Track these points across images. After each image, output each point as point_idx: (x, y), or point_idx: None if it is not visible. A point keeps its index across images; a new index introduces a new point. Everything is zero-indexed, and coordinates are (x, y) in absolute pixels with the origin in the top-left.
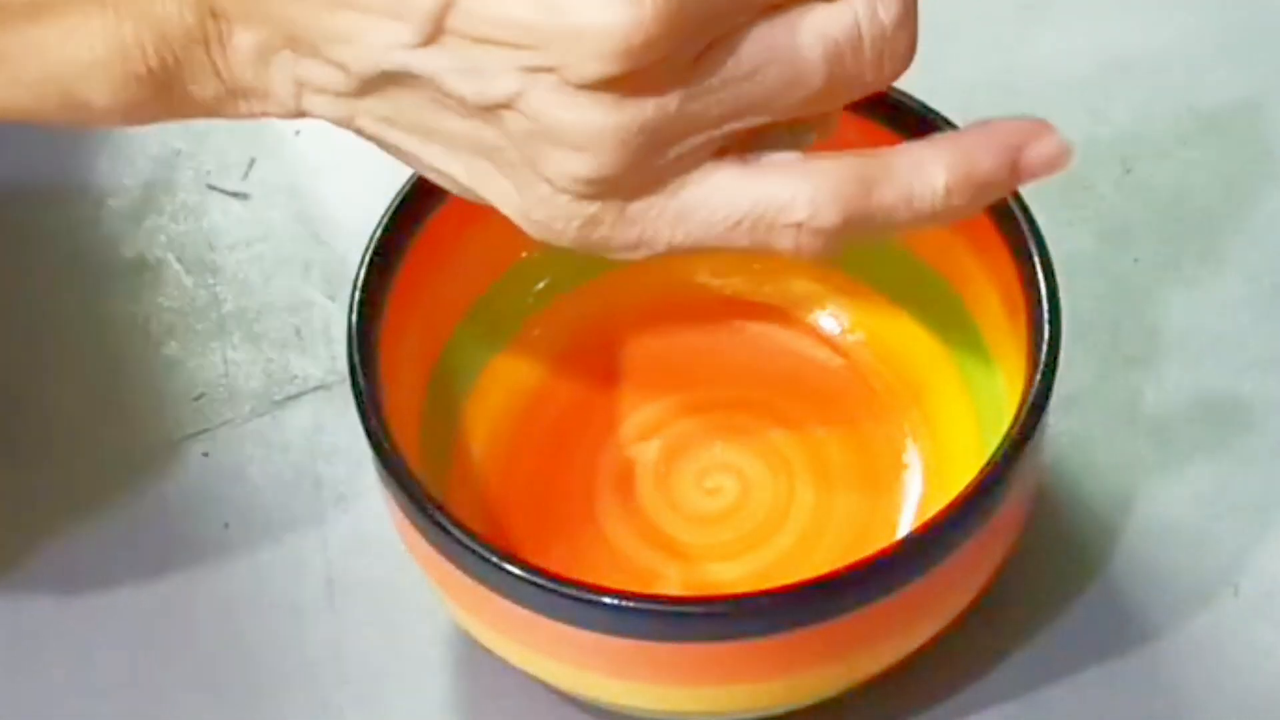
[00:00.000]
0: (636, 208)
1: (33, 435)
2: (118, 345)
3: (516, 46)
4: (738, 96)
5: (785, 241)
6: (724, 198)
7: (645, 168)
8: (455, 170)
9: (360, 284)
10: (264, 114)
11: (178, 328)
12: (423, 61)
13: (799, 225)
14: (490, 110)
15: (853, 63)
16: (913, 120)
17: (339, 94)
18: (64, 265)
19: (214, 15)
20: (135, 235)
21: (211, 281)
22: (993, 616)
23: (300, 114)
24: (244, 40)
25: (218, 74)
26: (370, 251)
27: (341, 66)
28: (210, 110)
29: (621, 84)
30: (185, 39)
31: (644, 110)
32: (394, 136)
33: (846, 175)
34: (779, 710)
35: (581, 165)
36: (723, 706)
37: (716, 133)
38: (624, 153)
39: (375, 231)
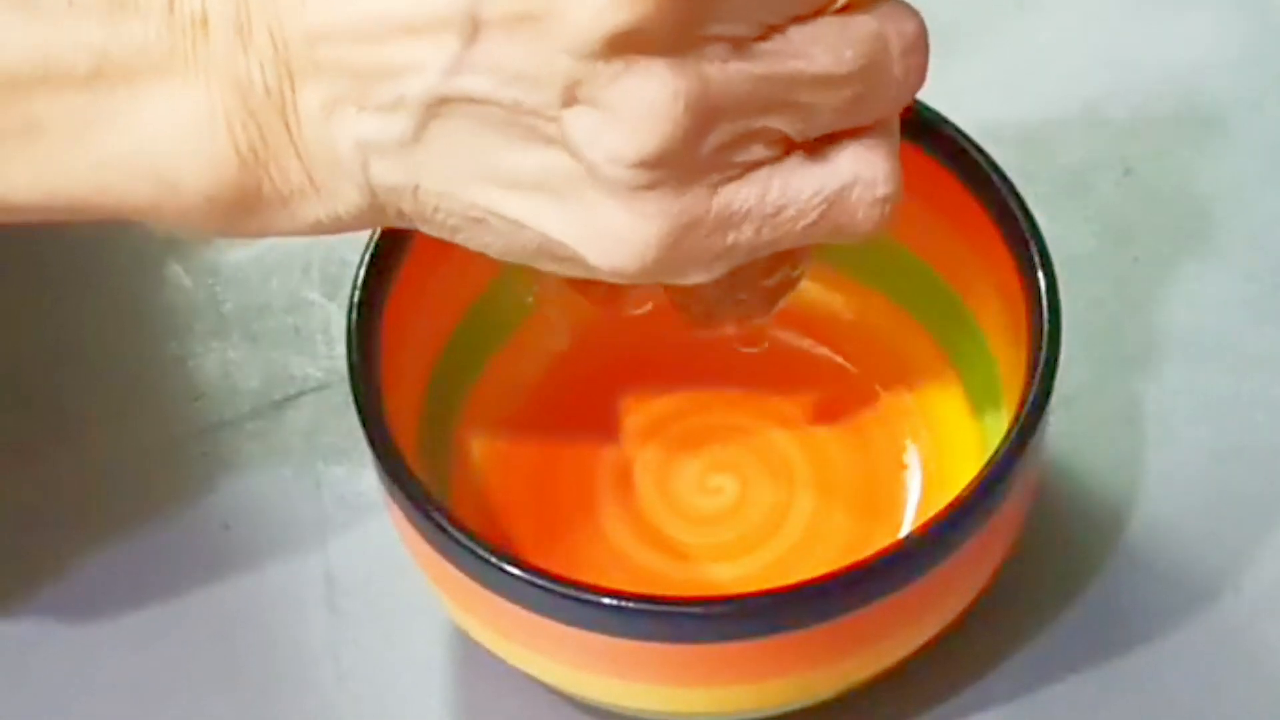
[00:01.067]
0: (721, 200)
1: (32, 436)
2: (117, 345)
3: (538, 19)
4: (775, 87)
5: (872, 217)
6: (811, 182)
7: (699, 148)
8: (523, 212)
9: (360, 284)
10: (339, 215)
11: (178, 328)
12: (474, 80)
13: (885, 199)
14: (555, 119)
15: (880, 73)
16: (913, 120)
17: (401, 146)
18: (63, 265)
19: (289, 74)
20: (135, 235)
21: (211, 281)
22: (993, 616)
23: (369, 202)
24: (310, 99)
25: (295, 150)
26: (370, 251)
27: (399, 104)
28: (288, 216)
29: (646, 45)
30: (267, 107)
31: (685, 76)
32: (458, 189)
33: (894, 142)
34: (779, 710)
35: (634, 143)
36: (723, 707)
37: (759, 123)
38: (674, 125)
39: (375, 231)
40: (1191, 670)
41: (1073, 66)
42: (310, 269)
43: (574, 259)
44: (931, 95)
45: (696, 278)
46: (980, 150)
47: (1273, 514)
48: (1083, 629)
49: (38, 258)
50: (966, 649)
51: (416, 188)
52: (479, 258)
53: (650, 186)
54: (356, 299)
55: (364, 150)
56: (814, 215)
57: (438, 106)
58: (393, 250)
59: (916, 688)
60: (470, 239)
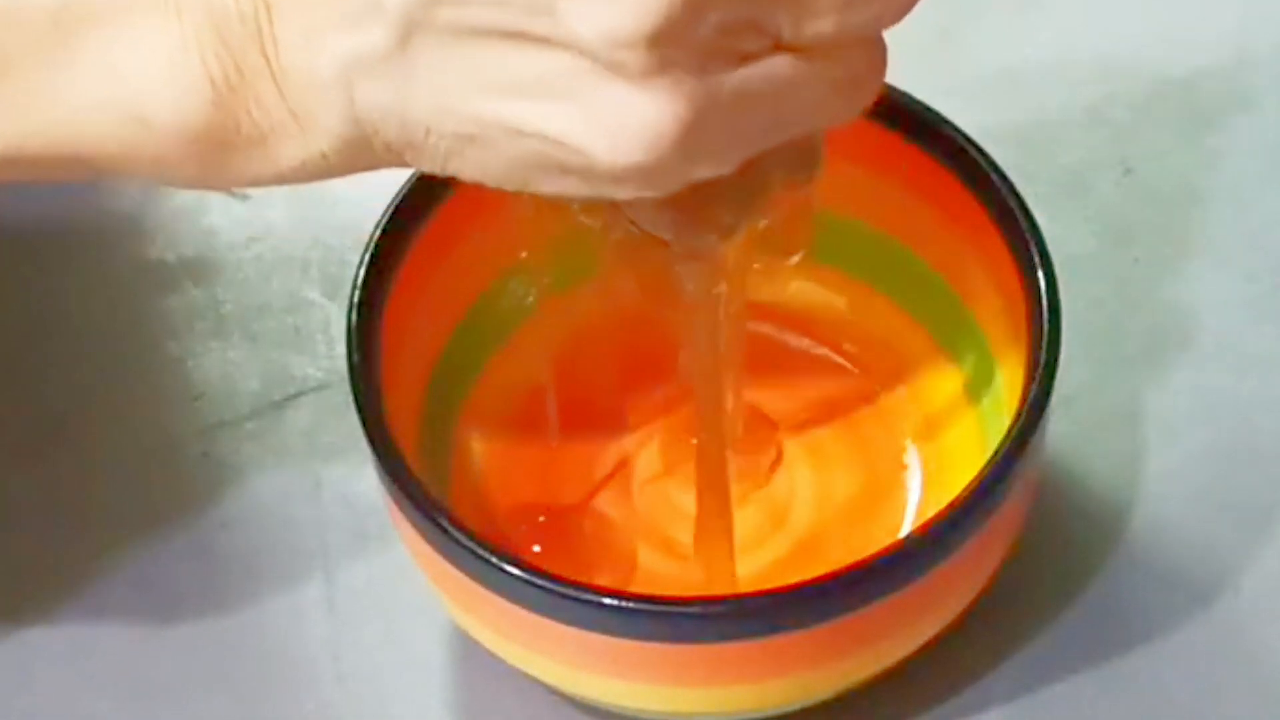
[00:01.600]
0: (734, 81)
1: (32, 436)
2: (117, 345)
3: None
4: None
5: (859, 101)
6: (803, 70)
7: (698, 26)
8: (523, 117)
9: (360, 284)
10: (324, 151)
11: (177, 328)
12: None
13: (872, 84)
14: (547, 11)
15: None
16: (913, 120)
17: (386, 61)
18: (63, 266)
19: (266, 1)
20: (135, 235)
21: (211, 282)
22: (993, 616)
23: (355, 134)
24: (289, 26)
25: (274, 80)
26: (370, 251)
27: (378, 12)
28: (267, 157)
29: None
30: (243, 37)
31: None
32: (450, 102)
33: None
34: (779, 710)
35: (633, 17)
36: (723, 707)
37: (755, 12)
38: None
39: (375, 231)
40: (1191, 670)
41: (1073, 66)
42: (310, 269)
43: (580, 163)
44: (931, 95)
45: (710, 169)
46: (980, 150)
47: (1273, 514)
48: (1083, 629)
49: (38, 259)
50: (966, 649)
51: (405, 108)
52: (479, 258)
53: (660, 69)
54: (356, 299)
55: (348, 70)
56: (823, 90)
57: (421, 11)
58: (393, 250)
59: (916, 688)
60: (464, 164)
